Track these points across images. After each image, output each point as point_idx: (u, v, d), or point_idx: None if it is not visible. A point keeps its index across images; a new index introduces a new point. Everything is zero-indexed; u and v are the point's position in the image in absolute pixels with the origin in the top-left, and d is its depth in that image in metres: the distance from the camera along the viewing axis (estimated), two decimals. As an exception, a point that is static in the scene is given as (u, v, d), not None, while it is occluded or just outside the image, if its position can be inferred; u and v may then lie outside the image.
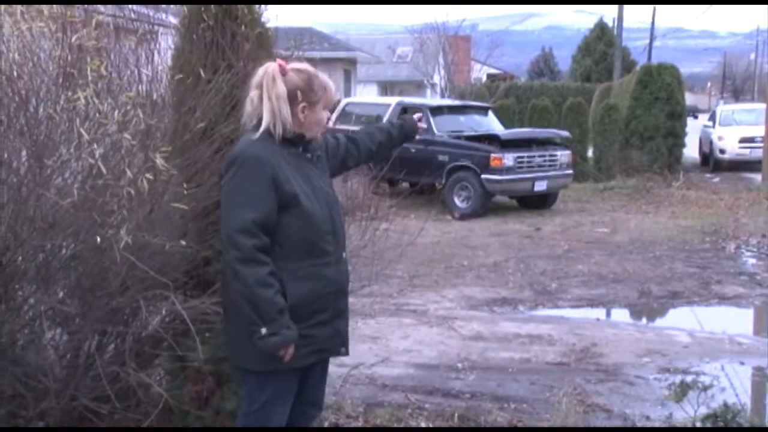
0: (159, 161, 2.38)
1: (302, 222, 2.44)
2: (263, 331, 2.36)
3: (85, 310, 2.74)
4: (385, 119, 13.40)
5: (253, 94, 2.47)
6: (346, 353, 2.65)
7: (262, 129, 2.46)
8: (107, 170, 2.36)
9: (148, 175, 2.38)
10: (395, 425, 3.93)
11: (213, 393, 3.08)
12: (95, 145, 2.36)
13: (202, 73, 2.87)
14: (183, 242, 2.57)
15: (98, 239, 2.26)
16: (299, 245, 2.45)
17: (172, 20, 3.18)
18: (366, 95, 21.37)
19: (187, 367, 3.03)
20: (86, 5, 2.76)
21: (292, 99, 2.46)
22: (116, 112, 2.44)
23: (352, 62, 27.17)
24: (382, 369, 5.00)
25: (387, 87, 36.00)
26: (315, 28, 26.79)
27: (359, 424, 3.84)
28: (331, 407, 4.06)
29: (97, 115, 2.40)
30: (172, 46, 3.14)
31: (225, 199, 2.43)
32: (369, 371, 4.93)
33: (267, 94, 2.44)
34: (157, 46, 3.02)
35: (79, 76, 2.41)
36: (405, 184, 13.07)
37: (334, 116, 12.28)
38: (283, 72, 2.47)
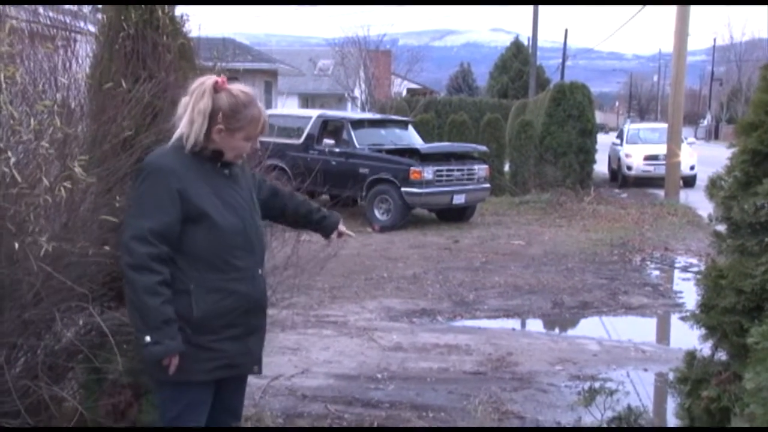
0: (77, 170, 2.34)
1: (210, 236, 2.44)
2: (147, 338, 2.35)
3: (-5, 324, 2.65)
4: (306, 131, 13.43)
5: (185, 100, 2.48)
6: (259, 372, 2.65)
7: (174, 137, 2.48)
8: (22, 179, 2.30)
9: (66, 184, 2.33)
10: (315, 436, 3.95)
11: (130, 405, 3.03)
12: (9, 153, 2.30)
13: (123, 83, 2.83)
14: (107, 247, 2.52)
15: (16, 246, 2.20)
16: (207, 258, 2.45)
17: (91, 28, 3.13)
18: (287, 107, 21.27)
19: (103, 379, 2.98)
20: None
21: (212, 118, 2.44)
22: (32, 119, 2.39)
23: (274, 74, 27.00)
24: (302, 380, 5.01)
25: (308, 99, 35.95)
26: (236, 40, 26.54)
27: (279, 435, 3.83)
28: (251, 418, 4.04)
29: (12, 121, 2.34)
30: (91, 55, 3.09)
31: (129, 207, 2.49)
32: (289, 382, 4.92)
33: (192, 104, 2.45)
34: (75, 53, 2.96)
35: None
36: (325, 197, 13.10)
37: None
38: (217, 89, 2.46)
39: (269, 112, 15.21)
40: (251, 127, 2.49)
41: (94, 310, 2.63)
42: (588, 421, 3.03)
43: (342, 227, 3.07)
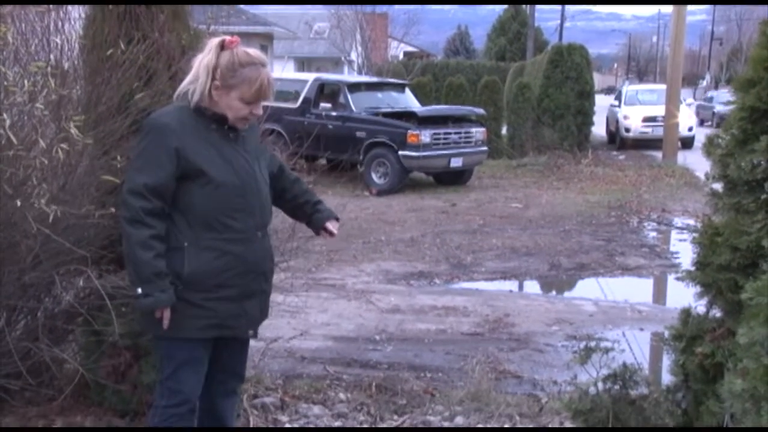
0: (73, 131, 2.33)
1: (206, 194, 2.45)
2: (139, 291, 2.41)
3: (-5, 286, 2.66)
4: (302, 95, 13.33)
5: (197, 57, 2.52)
6: (254, 336, 2.63)
7: (178, 90, 2.50)
8: (18, 141, 2.29)
9: (63, 145, 2.32)
10: (314, 395, 3.99)
11: (130, 367, 3.06)
12: (4, 115, 2.28)
13: (121, 44, 2.80)
14: (108, 210, 2.51)
15: (18, 203, 2.19)
16: (202, 216, 2.46)
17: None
18: (283, 71, 21.10)
19: (103, 341, 3.00)
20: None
21: (212, 74, 2.46)
22: (25, 81, 2.37)
23: (269, 37, 26.71)
24: (300, 342, 5.05)
25: (304, 63, 35.63)
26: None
27: (278, 395, 3.87)
28: (250, 380, 4.07)
29: (5, 83, 2.32)
30: (83, 15, 3.06)
31: (129, 163, 2.53)
32: (288, 345, 4.97)
33: (198, 60, 2.48)
34: (67, 14, 2.92)
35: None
36: (323, 161, 13.07)
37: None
38: (224, 47, 2.47)
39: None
40: (245, 86, 2.46)
41: (92, 274, 2.64)
42: (584, 378, 3.06)
43: (330, 225, 2.87)
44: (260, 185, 2.59)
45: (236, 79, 2.46)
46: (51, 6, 2.75)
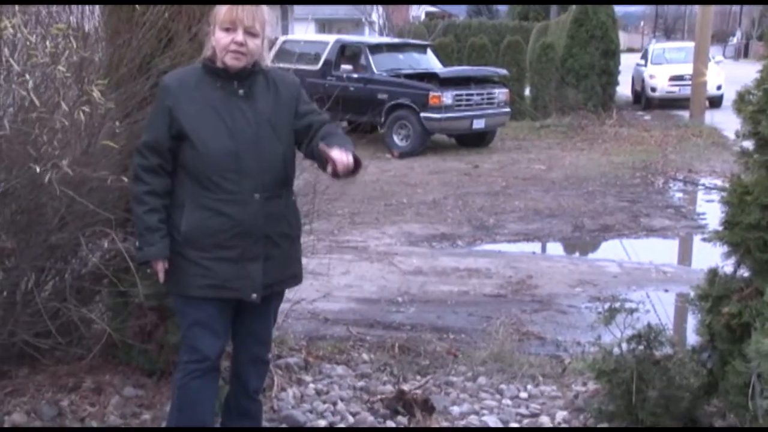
0: (96, 94, 2.33)
1: (193, 155, 2.47)
2: (136, 243, 2.51)
3: (22, 247, 2.70)
4: (323, 57, 13.23)
5: None
6: (257, 300, 2.57)
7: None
8: (40, 103, 2.29)
9: (84, 108, 2.32)
10: (337, 356, 4.03)
11: (156, 327, 3.10)
12: (27, 77, 2.28)
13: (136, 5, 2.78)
14: (124, 178, 2.53)
15: (37, 170, 2.21)
16: (195, 175, 2.48)
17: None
18: (304, 33, 20.94)
19: (129, 302, 3.04)
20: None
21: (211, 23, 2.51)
22: (47, 42, 2.36)
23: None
24: (323, 304, 5.08)
25: (325, 25, 35.31)
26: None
27: (302, 356, 3.91)
28: (274, 341, 4.11)
29: (27, 44, 2.31)
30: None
31: None
32: (311, 306, 4.99)
33: None
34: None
35: (4, 5, 2.31)
36: (344, 123, 13.02)
37: (271, 54, 12.04)
38: None
39: (285, 38, 15.02)
40: (219, 14, 2.45)
41: (116, 236, 2.66)
42: (608, 339, 3.05)
43: (336, 152, 2.40)
44: (263, 147, 2.50)
45: (215, 14, 2.48)
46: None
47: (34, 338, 2.87)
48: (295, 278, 2.75)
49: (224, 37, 2.45)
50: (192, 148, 2.46)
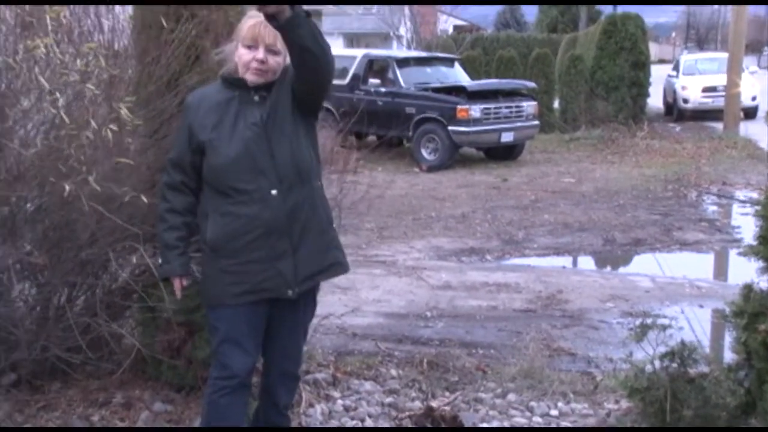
0: (123, 111, 2.35)
1: (211, 164, 2.52)
2: (159, 260, 2.63)
3: (54, 263, 2.73)
4: (351, 72, 13.30)
5: None
6: (293, 296, 2.57)
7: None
8: (70, 120, 2.32)
9: (112, 126, 2.35)
10: (365, 371, 4.00)
11: (185, 342, 3.10)
12: (57, 95, 2.32)
13: (164, 22, 2.81)
14: (144, 198, 2.56)
15: (66, 188, 2.24)
16: (215, 185, 2.53)
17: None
18: (333, 48, 21.10)
19: (158, 317, 3.05)
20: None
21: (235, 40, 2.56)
22: (78, 61, 2.40)
23: (317, 14, 26.74)
24: (352, 319, 5.07)
25: (353, 39, 35.54)
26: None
27: (330, 371, 3.90)
28: (302, 356, 4.12)
29: (58, 63, 2.35)
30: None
31: None
32: (339, 321, 4.99)
33: None
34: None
35: (38, 25, 2.35)
36: (372, 137, 13.05)
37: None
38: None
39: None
40: (242, 32, 2.50)
41: (145, 252, 2.68)
42: (640, 356, 2.99)
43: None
44: (272, 142, 2.51)
45: (238, 31, 2.53)
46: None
47: (66, 353, 2.89)
48: (339, 265, 2.70)
49: (246, 54, 2.49)
50: (209, 159, 2.51)
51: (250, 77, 2.50)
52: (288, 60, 2.52)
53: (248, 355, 2.59)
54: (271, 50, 2.49)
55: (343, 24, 33.73)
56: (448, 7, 31.17)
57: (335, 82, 14.29)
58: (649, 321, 3.00)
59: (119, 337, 3.03)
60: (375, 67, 13.37)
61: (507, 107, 12.39)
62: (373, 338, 4.71)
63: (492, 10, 58.05)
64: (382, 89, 12.79)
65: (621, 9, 22.23)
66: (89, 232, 2.61)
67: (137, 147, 2.67)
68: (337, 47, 26.55)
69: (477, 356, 4.42)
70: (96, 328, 2.86)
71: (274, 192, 2.49)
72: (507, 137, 12.33)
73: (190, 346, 3.12)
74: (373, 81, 12.98)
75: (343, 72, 13.35)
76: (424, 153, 12.21)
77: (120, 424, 3.06)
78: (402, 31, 27.68)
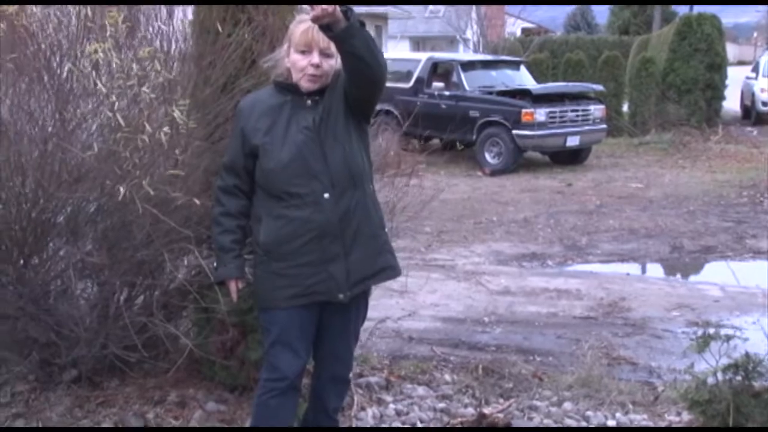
0: (177, 114, 2.40)
1: (265, 168, 2.53)
2: (214, 263, 2.64)
3: (113, 262, 2.80)
4: (415, 75, 13.29)
5: None
6: (345, 300, 2.56)
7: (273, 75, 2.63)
8: (127, 124, 2.39)
9: (165, 129, 2.40)
10: (419, 376, 3.98)
11: (238, 343, 3.14)
12: (113, 98, 2.39)
13: (219, 27, 2.86)
14: (197, 201, 2.60)
15: (121, 191, 2.30)
16: (268, 189, 2.54)
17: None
18: (398, 51, 21.12)
19: (212, 318, 3.10)
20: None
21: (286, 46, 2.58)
22: (134, 65, 2.46)
23: (383, 18, 26.85)
24: (408, 323, 5.06)
25: (419, 42, 35.53)
26: (346, -16, 26.40)
27: (384, 375, 3.89)
28: (357, 359, 4.11)
29: (113, 66, 2.42)
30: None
31: None
32: (396, 325, 4.98)
33: None
34: None
35: (99, 30, 2.43)
36: (436, 141, 12.99)
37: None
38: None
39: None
40: (295, 37, 2.51)
41: (199, 253, 2.73)
42: (702, 368, 2.88)
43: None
44: (325, 146, 2.51)
45: (291, 36, 2.54)
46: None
47: (123, 351, 2.97)
48: (391, 269, 2.69)
49: (300, 60, 2.50)
50: (262, 163, 2.53)
51: (305, 84, 2.52)
52: (339, 63, 2.53)
53: (299, 357, 2.61)
54: (324, 54, 2.50)
55: (408, 27, 33.75)
56: (515, 10, 30.83)
57: (399, 85, 14.38)
58: (711, 331, 2.89)
59: (175, 337, 3.08)
60: (439, 70, 13.33)
61: (573, 110, 12.17)
62: (428, 342, 4.68)
63: (561, 13, 57.12)
64: (446, 92, 12.74)
65: (697, 9, 21.56)
66: (145, 234, 2.67)
67: (193, 150, 2.72)
68: (403, 50, 26.64)
69: (534, 363, 4.34)
70: (152, 328, 2.92)
71: (326, 195, 2.50)
72: (573, 141, 12.11)
73: (243, 346, 3.15)
74: (437, 84, 12.94)
75: (407, 75, 13.36)
76: (488, 157, 12.10)
77: (174, 423, 3.12)
78: (468, 34, 27.49)
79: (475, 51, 24.35)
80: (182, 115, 2.46)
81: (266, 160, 2.51)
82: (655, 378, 4.13)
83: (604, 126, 12.81)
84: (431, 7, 35.26)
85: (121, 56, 2.46)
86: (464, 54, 21.78)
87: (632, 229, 7.97)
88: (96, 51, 2.30)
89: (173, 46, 2.89)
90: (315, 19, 2.25)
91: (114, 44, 2.42)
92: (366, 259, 2.59)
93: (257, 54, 2.99)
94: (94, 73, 2.41)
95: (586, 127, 12.34)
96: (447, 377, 3.98)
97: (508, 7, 31.60)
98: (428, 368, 4.13)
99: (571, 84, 14.13)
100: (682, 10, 33.10)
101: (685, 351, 3.04)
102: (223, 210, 2.59)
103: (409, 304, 5.47)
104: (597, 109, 12.56)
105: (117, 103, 2.39)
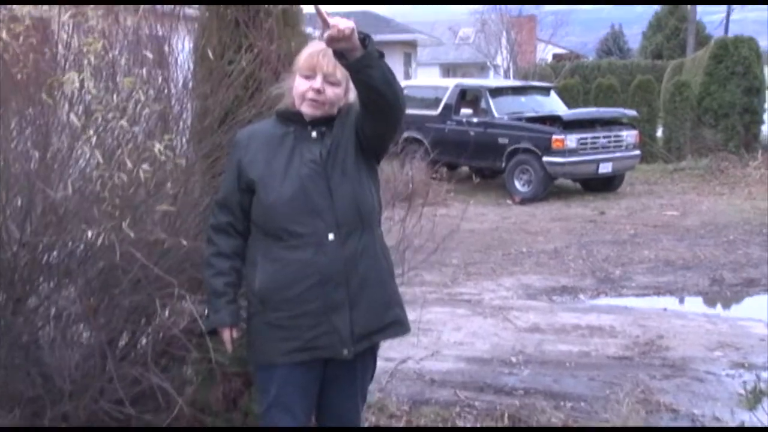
0: (157, 148, 2.19)
1: (263, 204, 2.31)
2: (205, 310, 2.43)
3: (102, 308, 2.60)
4: (443, 102, 13.14)
5: None
6: (349, 356, 2.31)
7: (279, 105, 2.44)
8: (104, 160, 2.19)
9: (144, 166, 2.19)
10: (440, 425, 3.70)
11: (241, 394, 2.93)
12: (90, 132, 2.19)
13: (210, 54, 2.67)
14: (184, 242, 2.38)
15: (89, 234, 2.10)
16: (266, 227, 2.31)
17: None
18: (427, 78, 21.03)
19: (213, 368, 2.87)
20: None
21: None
22: (114, 96, 2.27)
23: (412, 45, 26.84)
24: (431, 363, 4.79)
25: (449, 69, 35.50)
26: (375, 12, 26.55)
27: (401, 424, 3.62)
28: (374, 406, 3.86)
29: (89, 97, 2.23)
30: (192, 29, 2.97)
31: None
32: (417, 365, 4.71)
33: None
34: (177, 26, 2.84)
35: (83, 56, 2.25)
36: (464, 168, 12.77)
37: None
38: None
39: (406, 83, 15.09)
40: (299, 62, 2.34)
41: (191, 300, 2.51)
42: (752, 421, 2.57)
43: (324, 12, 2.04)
44: (332, 182, 2.28)
45: (295, 62, 2.36)
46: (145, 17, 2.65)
47: (115, 405, 2.74)
48: (399, 325, 2.43)
49: (302, 84, 2.31)
50: (260, 198, 2.30)
51: (306, 109, 2.32)
52: (351, 97, 2.32)
53: (298, 420, 2.37)
54: (329, 81, 2.30)
55: (439, 54, 33.76)
56: (546, 35, 30.59)
57: (426, 112, 14.27)
58: (762, 386, 2.59)
59: (175, 387, 2.85)
60: (467, 96, 13.16)
61: (605, 137, 11.89)
62: (452, 386, 4.41)
63: (593, 38, 56.75)
64: (475, 119, 12.55)
65: (734, 33, 21.10)
66: (134, 278, 2.46)
67: (188, 186, 2.51)
68: (433, 77, 26.55)
69: (564, 410, 4.04)
70: (146, 379, 2.70)
71: (330, 236, 2.26)
72: (605, 168, 11.80)
73: (247, 397, 2.93)
74: (465, 111, 12.76)
75: (435, 102, 13.22)
76: (518, 184, 11.83)
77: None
78: (499, 60, 27.35)
79: (506, 77, 24.19)
80: (166, 150, 2.25)
81: (265, 195, 2.28)
82: (698, 427, 3.80)
83: (637, 152, 12.50)
84: (461, 33, 35.24)
85: (99, 86, 2.26)
86: (493, 80, 21.60)
87: (668, 260, 7.63)
88: (72, 81, 2.11)
89: (175, 74, 2.70)
90: (329, 41, 2.03)
91: (92, 73, 2.22)
92: (373, 311, 2.34)
93: (259, 82, 2.79)
94: (66, 105, 2.22)
95: (619, 154, 12.06)
96: (470, 426, 3.70)
97: (538, 33, 31.41)
98: (450, 416, 3.87)
99: (603, 109, 13.85)
100: (717, 34, 32.59)
101: (733, 407, 2.74)
102: (216, 250, 2.36)
103: (432, 342, 5.20)
104: (630, 135, 12.27)
105: (94, 138, 2.19)
